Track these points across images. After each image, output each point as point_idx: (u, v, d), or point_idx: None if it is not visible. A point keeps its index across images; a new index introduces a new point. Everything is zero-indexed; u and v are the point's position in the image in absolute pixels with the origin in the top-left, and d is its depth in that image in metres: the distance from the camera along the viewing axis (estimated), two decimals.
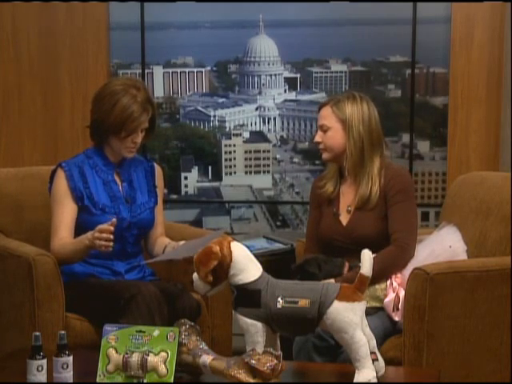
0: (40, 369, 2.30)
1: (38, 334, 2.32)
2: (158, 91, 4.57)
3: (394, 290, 2.93)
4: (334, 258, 3.01)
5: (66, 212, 3.07)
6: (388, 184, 3.07)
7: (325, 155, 3.15)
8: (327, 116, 3.11)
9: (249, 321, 2.33)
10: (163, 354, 2.30)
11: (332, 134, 3.09)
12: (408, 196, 3.08)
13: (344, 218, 3.14)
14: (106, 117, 3.04)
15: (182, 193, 4.61)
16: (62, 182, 3.09)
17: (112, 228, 2.83)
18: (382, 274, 2.90)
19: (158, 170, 3.30)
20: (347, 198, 3.15)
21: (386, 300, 2.94)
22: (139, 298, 2.85)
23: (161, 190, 3.29)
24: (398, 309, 2.91)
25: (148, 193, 3.21)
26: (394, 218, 3.04)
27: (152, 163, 3.29)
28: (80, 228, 3.06)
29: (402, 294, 2.89)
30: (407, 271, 2.89)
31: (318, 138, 3.14)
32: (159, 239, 3.22)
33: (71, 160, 3.15)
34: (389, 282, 2.96)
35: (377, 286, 2.95)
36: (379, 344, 2.53)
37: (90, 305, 2.99)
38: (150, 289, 2.89)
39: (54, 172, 3.15)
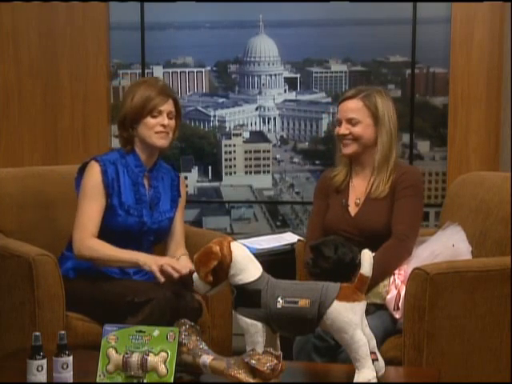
0: (40, 369, 2.30)
1: (38, 334, 2.32)
2: None
3: (397, 287, 2.93)
4: (353, 246, 3.00)
5: (97, 207, 3.05)
6: (399, 179, 3.10)
7: (350, 148, 3.13)
8: (357, 109, 3.11)
9: (249, 321, 2.33)
10: (163, 353, 2.29)
11: (363, 127, 3.10)
12: (416, 192, 3.10)
13: (352, 210, 3.15)
14: (128, 109, 3.08)
15: None
16: (96, 176, 3.06)
17: (184, 272, 2.91)
18: (382, 267, 2.89)
19: (182, 181, 3.32)
20: (357, 191, 3.17)
21: (389, 297, 2.93)
22: (155, 303, 2.87)
23: (183, 201, 3.30)
24: (398, 308, 2.91)
25: (170, 202, 3.21)
26: (398, 211, 3.06)
27: (178, 173, 3.31)
28: (101, 228, 3.06)
29: (403, 291, 2.89)
30: (410, 269, 2.88)
31: (344, 131, 3.12)
32: (179, 252, 3.22)
33: (105, 156, 3.13)
34: (391, 278, 2.96)
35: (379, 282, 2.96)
36: (379, 344, 2.53)
37: (99, 301, 2.98)
38: (167, 295, 2.90)
39: (85, 165, 3.12)
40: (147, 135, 3.09)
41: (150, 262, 2.95)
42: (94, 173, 3.06)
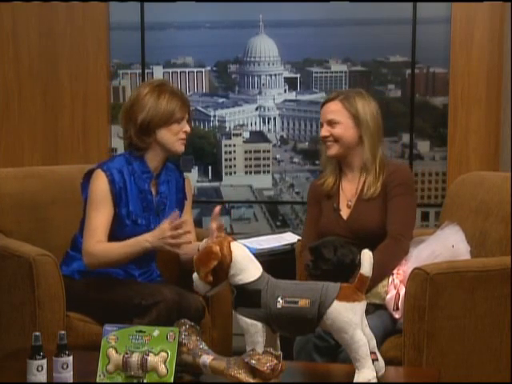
0: (40, 369, 2.30)
1: (37, 334, 2.32)
2: None
3: (396, 287, 2.93)
4: (352, 246, 3.01)
5: (106, 215, 3.03)
6: (389, 177, 3.11)
7: (333, 150, 3.14)
8: (337, 111, 3.13)
9: (249, 321, 2.33)
10: (163, 353, 2.29)
11: (342, 128, 3.12)
12: (407, 190, 3.11)
13: (344, 213, 3.16)
14: (153, 112, 3.05)
15: None
16: (103, 186, 3.03)
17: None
18: (380, 268, 2.88)
19: (188, 181, 3.30)
20: (347, 193, 3.18)
21: (388, 297, 2.94)
22: (162, 305, 2.87)
23: (190, 201, 3.29)
24: (397, 308, 2.91)
25: (176, 205, 3.18)
26: (391, 210, 3.07)
27: (183, 173, 3.28)
28: (108, 237, 3.04)
29: (402, 291, 2.89)
30: (409, 269, 2.89)
31: (325, 133, 3.14)
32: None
33: (111, 164, 3.09)
34: (390, 278, 2.96)
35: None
36: (379, 344, 2.53)
37: (105, 304, 2.97)
38: (173, 298, 2.90)
39: (90, 172, 3.09)
40: (170, 141, 3.08)
41: (157, 242, 2.92)
42: (101, 183, 3.04)
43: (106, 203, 3.04)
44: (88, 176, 3.10)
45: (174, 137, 3.08)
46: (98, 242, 3.00)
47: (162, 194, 3.15)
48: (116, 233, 3.04)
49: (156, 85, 3.12)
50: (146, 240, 2.94)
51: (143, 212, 3.09)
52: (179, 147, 3.11)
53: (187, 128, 3.12)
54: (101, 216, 3.02)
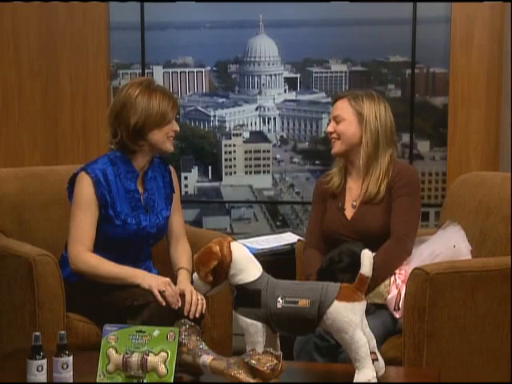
0: (40, 369, 2.30)
1: (38, 334, 2.32)
2: None
3: (397, 287, 2.93)
4: (356, 243, 2.98)
5: (92, 220, 2.99)
6: (394, 178, 3.10)
7: (336, 147, 3.15)
8: (343, 108, 3.14)
9: (249, 321, 2.33)
10: (163, 354, 2.30)
11: (346, 125, 3.12)
12: (412, 191, 3.10)
13: (349, 213, 3.16)
14: (147, 114, 2.99)
15: (182, 193, 4.61)
16: (88, 188, 2.99)
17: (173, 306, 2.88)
18: (382, 268, 2.90)
19: (173, 173, 3.25)
20: (353, 193, 3.17)
21: (389, 297, 2.94)
22: (153, 305, 2.85)
23: (177, 191, 3.25)
24: (398, 308, 2.91)
25: (165, 200, 3.16)
26: (396, 211, 3.07)
27: (168, 166, 3.23)
28: (99, 238, 3.01)
29: (403, 291, 2.89)
30: (411, 268, 2.88)
31: (330, 129, 3.16)
32: (180, 247, 3.19)
33: (95, 165, 3.04)
34: (392, 278, 2.96)
35: None
36: (379, 344, 2.53)
37: (98, 305, 2.96)
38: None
39: (75, 175, 3.05)
40: (161, 141, 3.03)
41: (151, 283, 2.90)
42: (86, 185, 3.00)
43: (91, 207, 2.99)
44: (72, 181, 3.06)
45: (165, 137, 3.04)
46: (88, 251, 2.98)
47: (149, 190, 3.11)
48: (107, 232, 3.02)
49: (145, 85, 3.04)
50: (140, 274, 2.95)
51: (132, 211, 3.05)
52: (170, 147, 3.07)
53: (177, 127, 3.07)
54: (88, 220, 2.99)
